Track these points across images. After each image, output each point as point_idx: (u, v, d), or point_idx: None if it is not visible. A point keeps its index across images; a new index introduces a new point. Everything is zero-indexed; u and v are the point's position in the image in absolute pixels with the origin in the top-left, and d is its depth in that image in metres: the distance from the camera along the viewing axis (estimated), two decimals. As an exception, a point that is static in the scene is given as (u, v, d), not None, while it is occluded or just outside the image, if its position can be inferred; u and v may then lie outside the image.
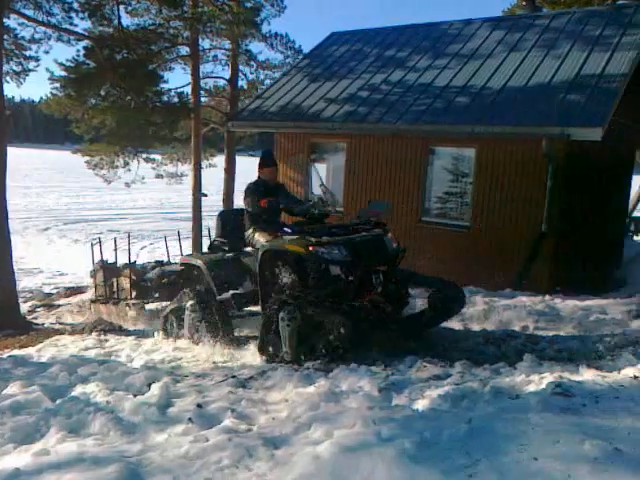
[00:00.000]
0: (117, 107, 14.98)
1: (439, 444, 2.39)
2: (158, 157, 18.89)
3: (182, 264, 6.56)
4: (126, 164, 17.37)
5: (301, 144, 11.38)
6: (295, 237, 4.99)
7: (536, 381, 3.05)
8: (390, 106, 10.38)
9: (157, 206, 33.67)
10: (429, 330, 5.49)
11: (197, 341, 5.80)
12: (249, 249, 5.79)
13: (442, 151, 10.05)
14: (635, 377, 3.00)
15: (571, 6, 17.72)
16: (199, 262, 6.06)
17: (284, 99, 12.02)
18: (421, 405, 3.07)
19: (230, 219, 6.35)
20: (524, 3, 13.35)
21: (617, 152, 10.92)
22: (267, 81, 18.97)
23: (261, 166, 5.89)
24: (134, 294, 10.40)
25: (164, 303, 8.06)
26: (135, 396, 3.83)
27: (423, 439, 2.46)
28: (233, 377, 4.33)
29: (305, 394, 3.69)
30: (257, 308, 5.52)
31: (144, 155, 17.45)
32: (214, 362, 5.18)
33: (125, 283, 10.82)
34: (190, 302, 5.90)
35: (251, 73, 19.31)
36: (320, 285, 4.82)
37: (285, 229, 5.20)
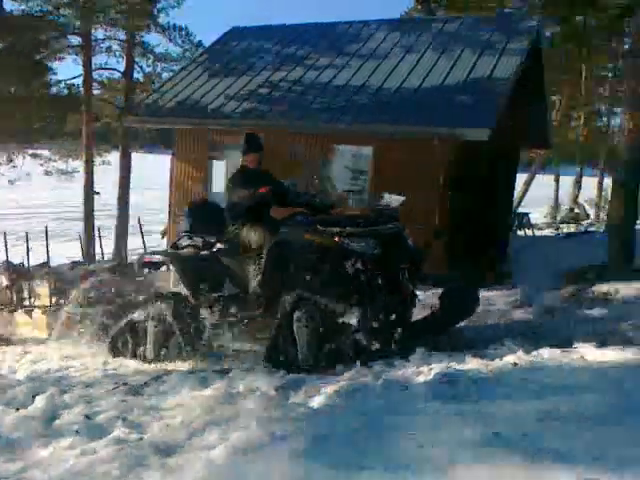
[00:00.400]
0: (-1, 99, 14.00)
1: (332, 439, 2.41)
2: (46, 153, 17.83)
3: (144, 264, 5.54)
4: (10, 160, 16.25)
5: (200, 141, 11.16)
6: (310, 228, 4.44)
7: (425, 372, 3.16)
8: (290, 104, 10.42)
9: (45, 205, 31.77)
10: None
11: (166, 359, 4.92)
12: (220, 246, 5.09)
13: (342, 149, 10.21)
14: (515, 364, 3.19)
15: (463, 12, 18.59)
16: (169, 261, 5.23)
17: (183, 94, 11.73)
18: (317, 402, 3.09)
19: (200, 213, 5.60)
20: (420, 7, 13.85)
21: (504, 152, 11.59)
22: (165, 74, 18.43)
23: (245, 152, 5.23)
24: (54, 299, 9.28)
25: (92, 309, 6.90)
26: (17, 410, 3.58)
27: (317, 435, 2.47)
28: (125, 384, 4.15)
29: (201, 397, 3.61)
30: (248, 313, 4.82)
31: (30, 151, 16.41)
32: (105, 369, 4.93)
33: (39, 288, 9.90)
34: (158, 311, 4.96)
35: (148, 66, 18.70)
36: (344, 281, 4.26)
37: (298, 218, 4.59)
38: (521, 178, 15.63)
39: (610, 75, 26.26)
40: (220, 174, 11.44)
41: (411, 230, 4.92)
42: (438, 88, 9.70)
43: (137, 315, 5.13)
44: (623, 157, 7.97)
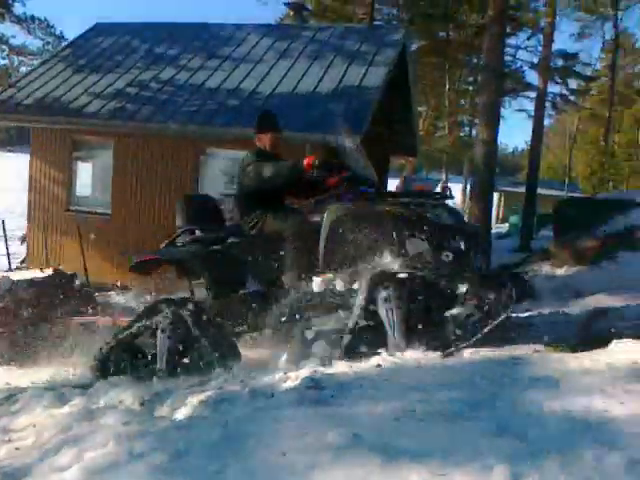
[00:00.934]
0: None
1: (192, 453, 2.33)
2: None
3: (138, 264, 4.71)
4: None
5: (62, 141, 10.47)
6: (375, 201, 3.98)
7: (293, 377, 3.16)
8: (160, 105, 10.10)
9: None
10: None
11: (186, 372, 3.98)
12: (234, 240, 4.48)
13: (215, 153, 10.06)
14: (378, 365, 3.29)
15: (335, 21, 19.11)
16: (186, 259, 4.45)
17: (42, 90, 10.96)
18: (182, 414, 2.99)
19: (196, 206, 4.95)
20: (292, 14, 14.02)
21: (374, 158, 12.03)
22: (24, 69, 17.12)
23: (260, 130, 4.65)
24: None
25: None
26: None
27: (177, 450, 2.38)
28: (-29, 407, 3.77)
29: (57, 415, 3.36)
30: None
31: None
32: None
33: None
34: (172, 319, 4.05)
35: (2, 58, 17.26)
36: (453, 255, 3.70)
37: (364, 189, 4.11)
38: (393, 183, 16.35)
39: (471, 88, 28.31)
40: (86, 176, 10.83)
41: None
42: (311, 94, 9.88)
43: (135, 328, 4.26)
44: (479, 165, 8.58)
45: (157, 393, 3.69)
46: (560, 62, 20.92)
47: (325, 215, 4.08)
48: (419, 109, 25.67)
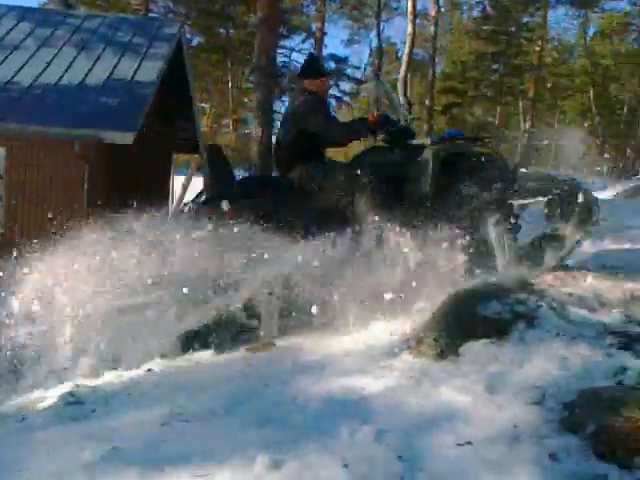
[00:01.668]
0: None
1: None
2: None
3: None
4: None
5: None
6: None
7: (51, 395, 2.89)
8: None
9: None
10: None
11: None
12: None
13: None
14: (149, 370, 3.16)
15: (107, 11, 18.03)
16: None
17: None
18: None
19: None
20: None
21: (154, 155, 11.62)
22: None
23: (316, 75, 4.42)
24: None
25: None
26: None
27: None
28: None
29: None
30: None
31: None
32: None
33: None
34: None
35: None
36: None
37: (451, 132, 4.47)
38: (179, 180, 15.99)
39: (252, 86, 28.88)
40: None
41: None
42: (79, 87, 9.18)
43: None
44: (256, 161, 8.80)
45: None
46: (333, 65, 22.51)
47: (426, 156, 4.16)
48: (204, 105, 25.55)
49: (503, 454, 2.00)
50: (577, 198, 4.06)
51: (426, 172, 4.14)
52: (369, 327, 3.54)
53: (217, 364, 3.24)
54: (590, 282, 3.96)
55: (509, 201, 4.20)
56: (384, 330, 3.48)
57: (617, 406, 2.09)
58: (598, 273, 4.17)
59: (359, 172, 4.11)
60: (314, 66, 4.63)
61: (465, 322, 3.03)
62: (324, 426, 2.34)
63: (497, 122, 22.99)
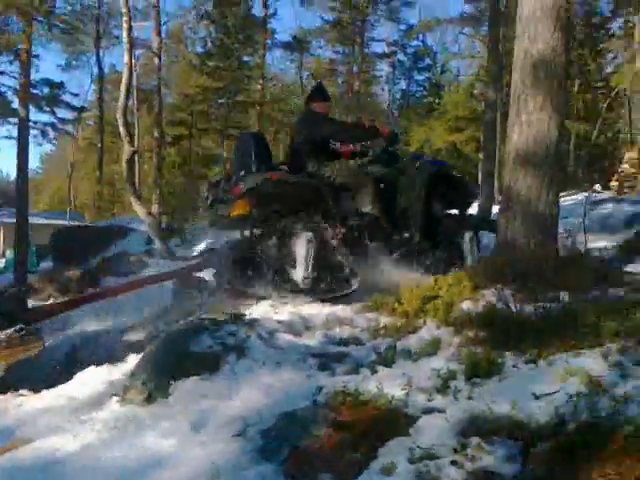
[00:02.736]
0: None
1: None
2: None
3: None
4: None
5: None
6: None
7: None
8: None
9: None
10: None
11: None
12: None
13: None
14: None
15: None
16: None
17: None
18: None
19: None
20: None
21: None
22: None
23: (323, 99, 5.15)
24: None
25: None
26: None
27: None
28: None
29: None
30: None
31: None
32: None
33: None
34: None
35: None
36: None
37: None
38: None
39: None
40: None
41: None
42: None
43: None
44: None
45: None
46: (46, 90, 20.64)
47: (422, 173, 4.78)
48: None
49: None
50: None
51: (420, 185, 4.79)
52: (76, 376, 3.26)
53: None
54: (300, 307, 4.27)
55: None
56: (93, 377, 3.24)
57: (309, 426, 2.23)
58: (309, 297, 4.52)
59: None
60: (321, 92, 5.38)
61: (176, 360, 2.97)
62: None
63: (226, 154, 23.72)
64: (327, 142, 4.96)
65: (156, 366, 2.94)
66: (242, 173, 4.63)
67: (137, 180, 21.18)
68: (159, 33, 18.30)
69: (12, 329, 3.91)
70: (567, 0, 3.85)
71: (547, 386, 2.26)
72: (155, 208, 17.76)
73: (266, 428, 2.28)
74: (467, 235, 4.91)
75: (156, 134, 19.13)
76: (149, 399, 2.74)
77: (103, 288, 7.87)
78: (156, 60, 18.80)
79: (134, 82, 24.42)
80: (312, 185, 4.57)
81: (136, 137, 24.23)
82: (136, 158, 24.03)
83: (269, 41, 23.48)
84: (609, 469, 1.74)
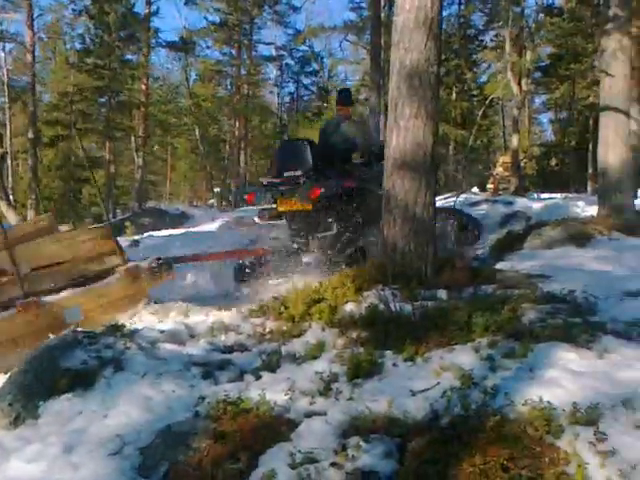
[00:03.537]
0: None
1: None
2: None
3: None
4: None
5: None
6: None
7: None
8: None
9: None
10: None
11: None
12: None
13: None
14: None
15: None
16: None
17: None
18: None
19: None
20: None
21: None
22: None
23: (349, 104, 5.88)
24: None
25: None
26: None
27: None
28: None
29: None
30: None
31: None
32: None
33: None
34: None
35: None
36: None
37: None
38: None
39: None
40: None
41: None
42: None
43: None
44: None
45: None
46: None
47: None
48: None
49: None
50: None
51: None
52: None
53: None
54: (184, 315, 4.15)
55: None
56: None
57: (190, 439, 2.16)
58: (192, 304, 4.41)
59: None
60: (348, 96, 5.93)
61: (46, 378, 2.77)
62: None
63: (109, 157, 22.62)
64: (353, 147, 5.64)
65: (24, 386, 2.72)
66: (299, 173, 5.14)
67: (9, 183, 19.71)
68: (32, 27, 17.14)
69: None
70: (439, 12, 4.04)
71: (424, 382, 2.36)
72: (31, 214, 16.60)
73: (145, 445, 2.18)
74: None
75: (30, 134, 17.85)
76: (16, 422, 2.53)
77: None
78: (29, 56, 17.58)
79: (4, 78, 22.74)
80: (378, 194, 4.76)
81: (7, 137, 22.53)
82: (8, 160, 22.38)
83: (153, 40, 22.68)
84: (478, 459, 1.83)
